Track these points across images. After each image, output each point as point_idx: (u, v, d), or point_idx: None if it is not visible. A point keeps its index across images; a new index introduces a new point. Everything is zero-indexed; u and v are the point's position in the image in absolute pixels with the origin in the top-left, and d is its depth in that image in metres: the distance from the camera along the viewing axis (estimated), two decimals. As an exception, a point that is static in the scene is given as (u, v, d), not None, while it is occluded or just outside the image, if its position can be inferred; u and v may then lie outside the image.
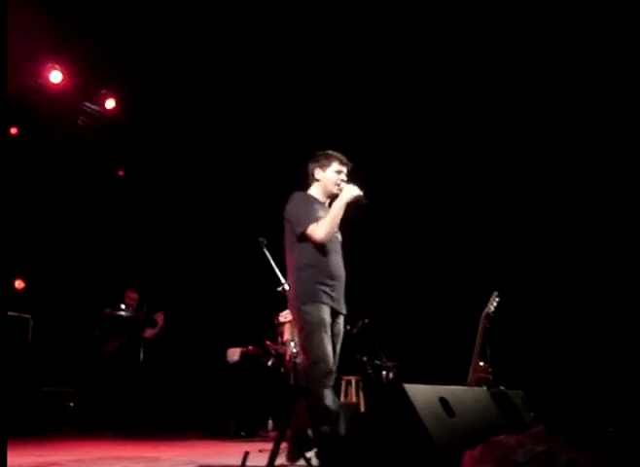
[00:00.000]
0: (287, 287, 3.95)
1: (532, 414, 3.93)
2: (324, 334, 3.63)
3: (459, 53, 7.24)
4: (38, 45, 6.93)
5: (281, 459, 4.37)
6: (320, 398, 3.54)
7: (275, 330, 6.74)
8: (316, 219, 3.80)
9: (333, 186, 3.95)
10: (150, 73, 7.71)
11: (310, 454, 3.49)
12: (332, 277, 3.80)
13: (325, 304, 3.71)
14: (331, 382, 3.63)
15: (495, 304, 5.00)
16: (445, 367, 5.61)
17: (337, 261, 3.89)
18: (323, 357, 3.59)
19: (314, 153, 4.07)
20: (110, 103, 8.09)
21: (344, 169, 4.00)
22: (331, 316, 3.75)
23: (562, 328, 7.05)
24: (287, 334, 6.48)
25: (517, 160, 7.52)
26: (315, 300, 3.69)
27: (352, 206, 3.85)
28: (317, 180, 4.00)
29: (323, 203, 3.99)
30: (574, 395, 6.42)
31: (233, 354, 7.28)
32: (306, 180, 4.11)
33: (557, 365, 6.80)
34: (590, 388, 6.49)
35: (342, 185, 3.92)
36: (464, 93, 7.51)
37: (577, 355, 6.88)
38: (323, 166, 3.98)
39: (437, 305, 7.56)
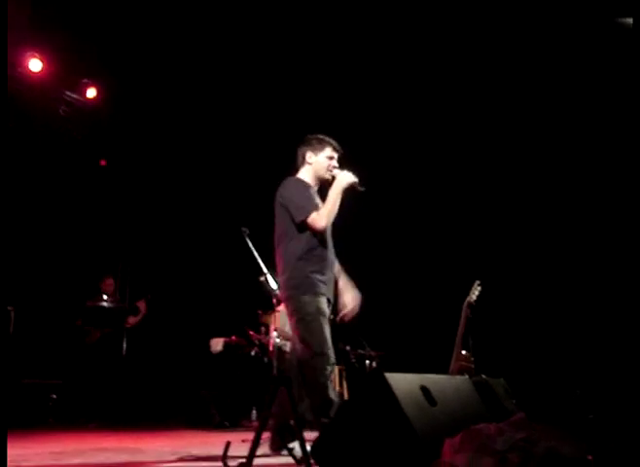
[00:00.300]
0: (270, 278, 3.94)
1: (514, 402, 3.95)
2: (324, 324, 3.60)
3: (450, 42, 7.18)
4: (17, 33, 6.83)
5: (263, 449, 4.39)
6: (324, 390, 3.52)
7: (258, 320, 6.74)
8: (315, 206, 3.74)
9: (324, 171, 3.89)
10: (132, 61, 7.63)
11: (293, 444, 3.48)
12: (328, 267, 3.76)
13: (323, 294, 3.68)
14: (331, 373, 3.61)
15: (477, 292, 5.01)
16: (428, 356, 5.63)
17: (331, 250, 3.86)
18: (325, 348, 3.56)
19: (306, 136, 4.00)
20: (91, 92, 8.00)
21: (336, 155, 3.95)
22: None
23: (544, 316, 7.10)
24: (276, 324, 6.48)
25: (499, 150, 7.54)
26: (315, 290, 3.64)
27: (347, 193, 3.79)
28: (309, 164, 3.94)
29: (313, 188, 3.94)
30: (555, 383, 6.48)
31: (217, 344, 7.27)
32: (289, 167, 4.07)
33: (539, 353, 6.85)
34: (571, 376, 6.55)
35: (335, 171, 3.86)
36: (453, 87, 7.48)
37: (558, 343, 6.94)
38: (315, 150, 3.92)
39: (420, 295, 7.59)
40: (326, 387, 3.52)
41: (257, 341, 6.84)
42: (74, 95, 7.97)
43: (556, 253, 7.28)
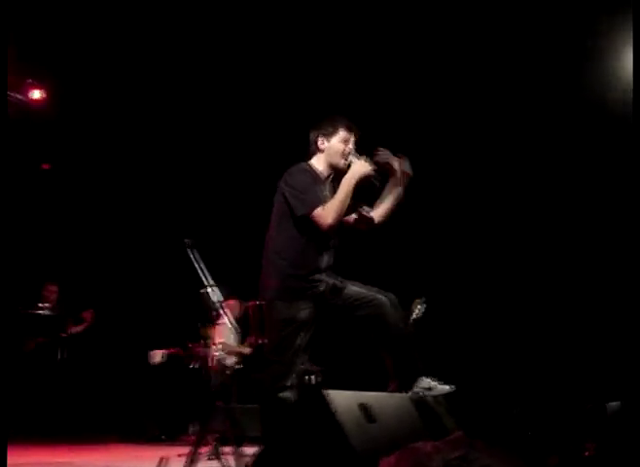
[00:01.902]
0: (211, 291, 3.87)
1: (454, 421, 3.97)
2: (295, 334, 3.21)
3: (451, 41, 7.08)
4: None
5: (200, 464, 4.31)
6: (268, 410, 3.19)
7: (199, 333, 6.65)
8: (321, 200, 3.28)
9: (339, 158, 3.42)
10: (79, 63, 7.49)
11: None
12: (320, 271, 3.34)
13: (304, 300, 3.26)
14: (287, 392, 3.13)
15: (422, 310, 5.04)
16: (369, 371, 5.63)
17: (328, 253, 3.43)
18: (282, 356, 3.19)
19: (319, 119, 3.53)
20: (36, 94, 7.80)
21: (352, 138, 3.47)
22: (323, 298, 3.31)
23: (483, 336, 7.22)
24: (217, 337, 6.42)
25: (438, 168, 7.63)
26: (295, 295, 3.25)
27: (361, 186, 3.34)
28: (321, 150, 3.46)
29: (325, 178, 3.48)
30: (494, 401, 6.57)
31: (156, 356, 7.14)
32: (236, 180, 3.95)
33: (478, 373, 6.94)
34: (510, 395, 6.66)
35: (351, 157, 3.39)
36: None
37: (497, 363, 7.06)
38: (327, 135, 3.45)
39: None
40: (270, 395, 3.14)
41: (196, 355, 6.72)
42: (18, 96, 7.75)
43: (494, 275, 7.42)
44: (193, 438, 6.37)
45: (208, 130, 8.14)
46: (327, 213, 3.23)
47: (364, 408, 2.92)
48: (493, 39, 6.96)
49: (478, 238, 7.57)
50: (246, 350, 6.83)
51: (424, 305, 5.12)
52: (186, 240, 3.94)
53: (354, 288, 3.43)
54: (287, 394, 3.13)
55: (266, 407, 3.24)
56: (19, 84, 7.72)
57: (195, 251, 4.02)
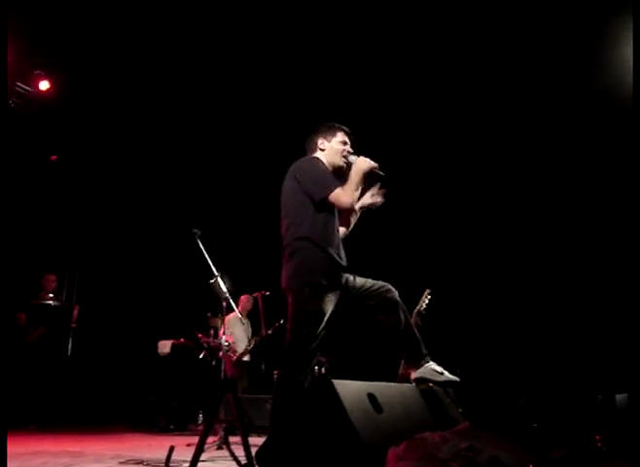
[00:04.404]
0: (220, 281, 3.88)
1: (460, 411, 3.98)
2: (318, 324, 3.29)
3: (453, 41, 7.06)
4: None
5: (208, 454, 4.35)
6: (283, 400, 3.22)
7: (207, 323, 6.68)
8: (337, 184, 3.47)
9: (338, 157, 3.65)
10: (87, 54, 7.47)
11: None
12: (341, 257, 3.50)
13: (332, 291, 3.38)
14: (305, 383, 3.21)
15: (427, 301, 5.05)
16: (377, 361, 5.65)
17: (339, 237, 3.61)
18: (303, 347, 3.26)
19: (315, 125, 3.78)
20: (44, 84, 7.79)
21: (349, 140, 3.73)
22: (339, 285, 3.43)
23: (490, 328, 7.22)
24: (226, 328, 6.45)
25: (445, 162, 7.60)
26: (326, 283, 3.34)
27: (366, 178, 3.60)
28: (321, 150, 3.69)
29: None
30: (500, 393, 6.58)
31: (164, 346, 7.17)
32: (243, 170, 3.96)
33: (485, 364, 6.95)
34: (516, 387, 6.67)
35: (351, 157, 3.63)
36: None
37: (504, 355, 7.06)
38: (327, 136, 3.70)
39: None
40: (289, 386, 3.20)
41: (205, 345, 6.76)
42: (26, 87, 7.75)
43: (502, 266, 7.40)
44: (201, 427, 6.43)
45: (214, 123, 8.14)
46: (346, 193, 3.44)
47: (372, 398, 2.93)
48: (494, 36, 6.95)
49: (488, 230, 7.56)
50: (253, 342, 6.88)
51: (429, 297, 5.13)
52: (194, 230, 3.95)
53: (359, 279, 3.56)
54: (305, 385, 3.20)
55: (281, 397, 3.27)
56: (27, 74, 7.73)
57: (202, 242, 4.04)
